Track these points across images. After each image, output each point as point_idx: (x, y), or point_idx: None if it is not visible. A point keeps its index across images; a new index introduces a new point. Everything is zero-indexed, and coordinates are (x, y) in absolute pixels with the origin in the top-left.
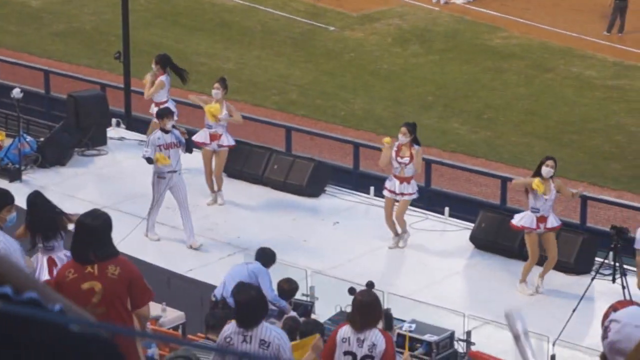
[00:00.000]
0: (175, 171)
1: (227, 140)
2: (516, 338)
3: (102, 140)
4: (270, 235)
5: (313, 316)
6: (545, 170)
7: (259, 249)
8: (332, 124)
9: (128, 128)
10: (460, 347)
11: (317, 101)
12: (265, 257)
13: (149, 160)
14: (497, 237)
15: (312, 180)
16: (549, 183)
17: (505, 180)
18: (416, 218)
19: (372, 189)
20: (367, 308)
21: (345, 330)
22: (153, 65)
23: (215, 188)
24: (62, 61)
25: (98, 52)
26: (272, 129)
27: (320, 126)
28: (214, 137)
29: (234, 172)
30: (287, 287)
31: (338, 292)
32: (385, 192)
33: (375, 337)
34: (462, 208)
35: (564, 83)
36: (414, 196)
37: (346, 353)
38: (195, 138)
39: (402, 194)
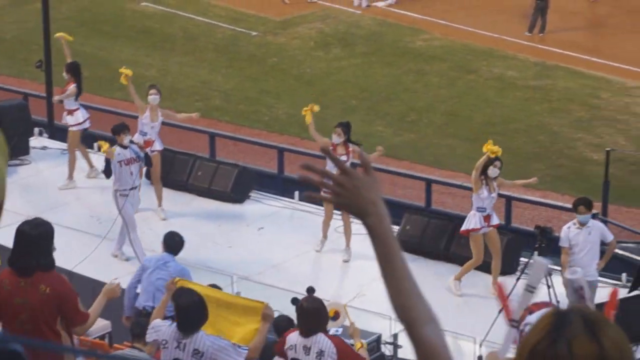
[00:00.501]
0: (135, 187)
1: (158, 145)
2: (529, 288)
3: (24, 150)
4: (195, 241)
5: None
6: (492, 171)
7: (168, 234)
8: (256, 129)
9: (51, 137)
10: (387, 350)
11: (240, 106)
12: (176, 244)
13: (108, 174)
14: (422, 239)
15: (237, 186)
16: (493, 183)
17: (429, 182)
18: (341, 222)
19: (296, 193)
20: (311, 314)
21: (291, 338)
22: (64, 74)
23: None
24: None
25: (19, 62)
26: (196, 135)
27: (244, 132)
28: (147, 143)
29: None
30: (172, 241)
31: (264, 297)
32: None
33: (322, 343)
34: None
35: (486, 84)
36: None
37: None
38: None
39: None
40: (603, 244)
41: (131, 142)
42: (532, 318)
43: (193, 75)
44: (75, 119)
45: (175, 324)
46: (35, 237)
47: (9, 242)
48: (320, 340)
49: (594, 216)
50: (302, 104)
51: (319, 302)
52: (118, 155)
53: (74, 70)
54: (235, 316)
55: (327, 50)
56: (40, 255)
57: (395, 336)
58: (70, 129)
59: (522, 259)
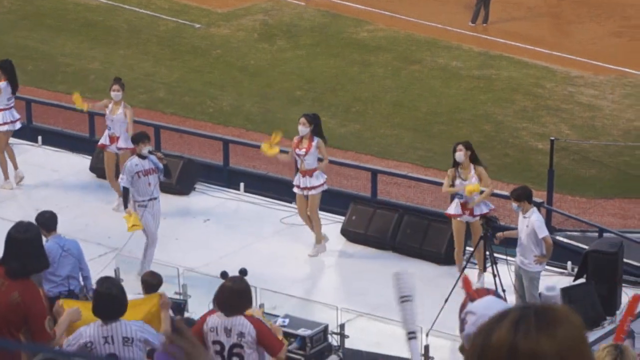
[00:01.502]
0: (154, 198)
1: (127, 143)
2: (401, 300)
3: None
4: (140, 234)
5: (186, 314)
6: (457, 155)
7: (39, 214)
8: (201, 121)
9: None
10: (334, 340)
11: (185, 98)
12: (47, 220)
13: (126, 191)
14: (368, 230)
15: (182, 178)
16: (469, 168)
17: (375, 173)
18: (287, 213)
19: (242, 185)
20: (236, 295)
21: (212, 320)
22: None
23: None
24: None
25: None
26: (141, 128)
27: (189, 124)
28: (112, 139)
29: (101, 172)
30: (153, 281)
31: (210, 289)
32: (294, 189)
33: (242, 325)
34: (333, 201)
35: (431, 74)
36: (322, 188)
37: (214, 342)
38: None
39: (308, 188)
40: None
41: (150, 152)
42: (475, 306)
43: (137, 67)
44: (2, 118)
45: (93, 324)
46: (24, 241)
47: None
48: (241, 322)
49: (539, 205)
50: (247, 96)
51: (245, 283)
52: (136, 166)
53: (6, 68)
54: (138, 314)
55: (272, 42)
56: (28, 259)
57: (342, 326)
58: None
59: (467, 248)
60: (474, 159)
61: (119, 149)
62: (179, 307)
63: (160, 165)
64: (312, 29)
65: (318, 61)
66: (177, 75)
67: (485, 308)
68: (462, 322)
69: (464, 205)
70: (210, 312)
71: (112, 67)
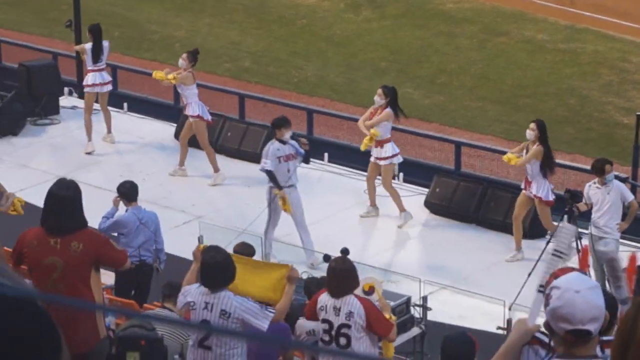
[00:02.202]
0: (292, 185)
1: (193, 110)
2: (554, 253)
3: (54, 109)
4: (225, 202)
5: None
6: (528, 133)
7: (120, 184)
8: (285, 91)
9: (80, 97)
10: (416, 312)
11: (269, 68)
12: (127, 190)
13: (270, 174)
14: (451, 202)
15: None
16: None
17: (459, 145)
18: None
19: (326, 155)
20: (341, 275)
21: (322, 299)
22: (88, 35)
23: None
24: (13, 30)
25: (49, 21)
26: (225, 97)
27: (274, 93)
28: (185, 106)
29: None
30: (244, 252)
31: (294, 257)
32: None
33: (352, 305)
34: (416, 173)
35: (517, 47)
36: (390, 161)
37: (323, 321)
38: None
39: (377, 159)
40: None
41: (292, 137)
42: (559, 281)
43: (222, 36)
44: (85, 80)
45: (202, 286)
46: (68, 198)
47: (39, 201)
48: (350, 302)
49: (624, 180)
50: (332, 66)
51: (349, 263)
52: (277, 150)
53: (94, 32)
54: (260, 279)
55: (357, 12)
56: (72, 216)
57: (424, 299)
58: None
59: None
60: (543, 140)
61: (190, 115)
62: None
63: (302, 151)
64: None
65: (403, 32)
66: (262, 44)
67: (570, 282)
68: (547, 297)
69: (526, 181)
70: (322, 291)
71: (198, 35)
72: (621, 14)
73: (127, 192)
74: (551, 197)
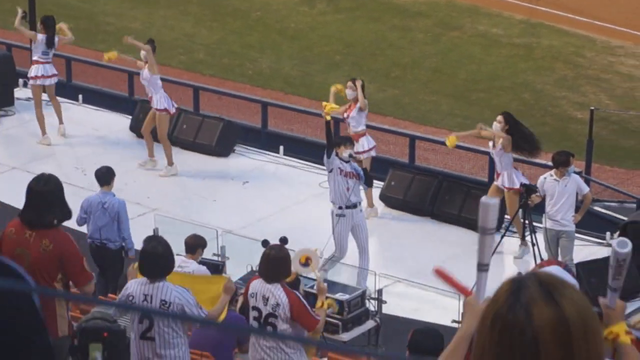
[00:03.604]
0: (352, 206)
1: (159, 104)
2: (483, 231)
3: (9, 101)
4: (179, 195)
5: (224, 275)
6: (494, 125)
7: (97, 169)
8: (239, 83)
9: None
10: (371, 305)
11: (224, 60)
12: (102, 174)
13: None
14: (406, 196)
15: (222, 140)
16: (496, 139)
17: (413, 139)
18: (325, 177)
19: (281, 148)
20: (276, 262)
21: (254, 285)
22: (39, 25)
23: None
24: None
25: (3, 12)
26: (180, 89)
27: (228, 85)
28: (150, 98)
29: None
30: (196, 243)
31: (248, 251)
32: None
33: (279, 296)
34: (371, 167)
35: (471, 41)
36: (367, 154)
37: (253, 308)
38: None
39: (357, 153)
40: (580, 200)
41: (351, 156)
42: None
43: (177, 28)
44: (29, 72)
45: (141, 279)
46: (45, 193)
47: None
48: (277, 294)
49: (577, 175)
50: (286, 59)
51: (285, 252)
52: (340, 163)
53: (47, 23)
54: (199, 293)
55: (312, 5)
56: (49, 211)
57: (379, 292)
58: (30, 82)
59: (506, 216)
60: (514, 131)
61: (154, 108)
62: (217, 268)
63: (362, 173)
64: None
65: (358, 25)
66: (217, 36)
67: None
68: None
69: (496, 174)
70: (254, 278)
71: (153, 27)
72: (575, 9)
73: (101, 176)
74: (517, 185)
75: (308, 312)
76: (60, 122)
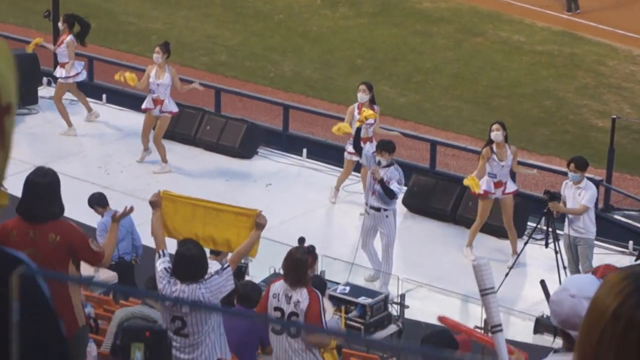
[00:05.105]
0: (378, 210)
1: (170, 106)
2: (483, 292)
3: (33, 99)
4: (202, 196)
5: (247, 278)
6: (494, 135)
7: (91, 196)
8: (261, 86)
9: None
10: (394, 310)
11: (246, 62)
12: (100, 198)
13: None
14: (429, 201)
15: (245, 142)
16: (504, 148)
17: (434, 144)
18: (349, 181)
19: (304, 151)
20: (299, 264)
21: (276, 286)
22: (60, 25)
23: (147, 150)
24: None
25: (26, 11)
26: (201, 90)
27: (249, 87)
28: (156, 102)
29: (166, 133)
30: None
31: (271, 253)
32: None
33: (301, 294)
34: None
35: (493, 48)
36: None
37: (276, 309)
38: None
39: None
40: (603, 209)
41: (379, 163)
42: (569, 280)
43: (199, 29)
44: (66, 71)
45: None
46: (45, 185)
47: (17, 191)
48: (301, 291)
49: (598, 183)
50: (308, 62)
51: (305, 256)
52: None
53: (71, 21)
54: (225, 223)
55: (334, 9)
56: (50, 203)
57: (402, 296)
58: (59, 81)
59: (529, 223)
60: (506, 139)
61: (162, 112)
62: (240, 270)
63: (392, 186)
64: None
65: (380, 30)
66: (239, 38)
67: (572, 284)
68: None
69: (497, 184)
70: (277, 279)
71: (174, 28)
72: (598, 17)
73: (99, 200)
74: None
75: (319, 316)
76: (89, 110)
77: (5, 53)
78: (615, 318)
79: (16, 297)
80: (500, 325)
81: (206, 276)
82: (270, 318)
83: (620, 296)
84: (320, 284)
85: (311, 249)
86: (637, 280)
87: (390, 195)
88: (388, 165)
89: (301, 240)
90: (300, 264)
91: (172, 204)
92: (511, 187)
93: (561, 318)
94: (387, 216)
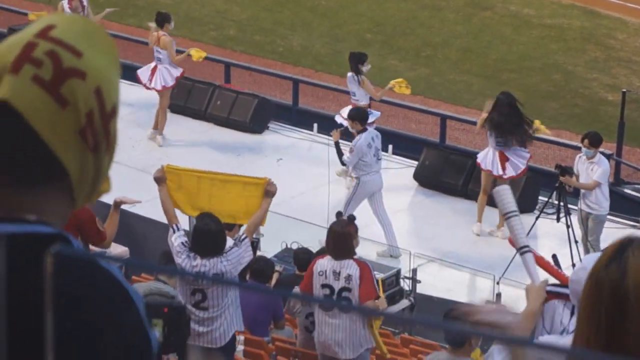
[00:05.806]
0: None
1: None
2: (507, 216)
3: None
4: (212, 169)
5: (259, 253)
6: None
7: None
8: (270, 60)
9: None
10: (406, 284)
11: (255, 37)
12: None
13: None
14: (441, 175)
15: (256, 116)
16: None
17: (444, 118)
18: None
19: (315, 125)
20: (343, 237)
21: (321, 263)
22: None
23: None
24: None
25: None
26: (210, 64)
27: (258, 62)
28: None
29: (176, 108)
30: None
31: (283, 228)
32: None
33: (350, 268)
34: (404, 146)
35: (502, 21)
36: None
37: (324, 286)
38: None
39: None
40: (614, 183)
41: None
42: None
43: (208, 4)
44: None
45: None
46: None
47: None
48: (349, 264)
49: (608, 157)
50: (317, 36)
51: (349, 228)
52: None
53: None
54: (232, 194)
55: None
56: None
57: (414, 271)
58: None
59: (540, 197)
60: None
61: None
62: (252, 245)
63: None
64: None
65: (389, 4)
66: (248, 13)
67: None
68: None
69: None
70: (320, 256)
71: (184, 2)
72: None
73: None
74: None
75: (372, 283)
76: None
77: (110, 51)
78: (589, 279)
79: (50, 278)
80: (527, 246)
81: (225, 249)
82: (317, 297)
83: (601, 259)
84: None
85: (352, 219)
86: (621, 243)
87: (340, 158)
88: (360, 133)
89: (339, 214)
90: (344, 236)
91: (176, 177)
92: (510, 171)
93: (579, 296)
94: (356, 183)
